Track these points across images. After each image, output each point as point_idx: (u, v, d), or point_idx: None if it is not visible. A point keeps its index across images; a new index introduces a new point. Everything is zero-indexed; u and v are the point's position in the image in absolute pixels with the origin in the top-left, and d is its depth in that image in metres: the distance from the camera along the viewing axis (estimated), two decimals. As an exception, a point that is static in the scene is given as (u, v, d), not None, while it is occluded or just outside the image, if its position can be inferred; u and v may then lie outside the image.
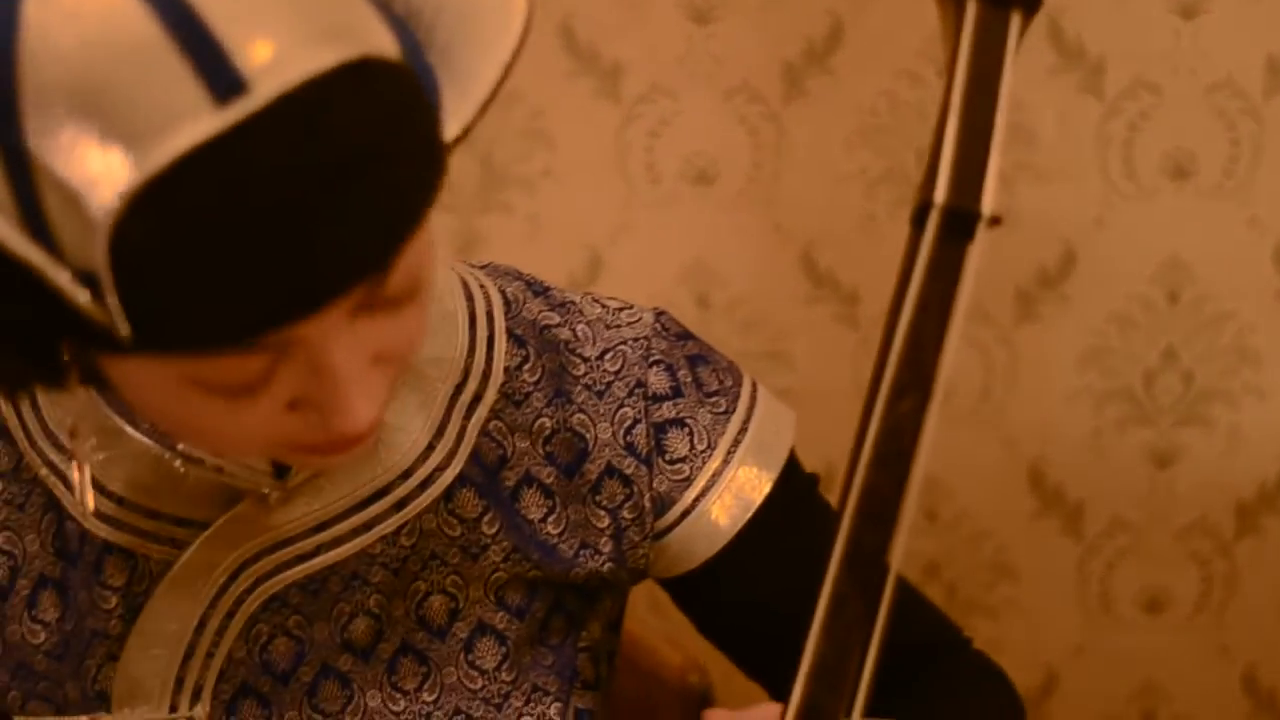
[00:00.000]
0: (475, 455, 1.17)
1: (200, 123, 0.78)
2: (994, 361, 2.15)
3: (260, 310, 0.83)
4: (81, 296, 0.82)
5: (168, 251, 0.80)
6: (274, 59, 0.81)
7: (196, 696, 1.17)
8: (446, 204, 2.05)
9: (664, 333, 1.21)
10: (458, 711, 1.20)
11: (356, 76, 0.82)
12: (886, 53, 2.07)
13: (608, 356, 1.19)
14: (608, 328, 1.20)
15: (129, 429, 1.12)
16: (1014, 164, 2.08)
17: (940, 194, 0.86)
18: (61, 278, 0.82)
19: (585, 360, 1.18)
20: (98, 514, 1.14)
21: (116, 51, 0.80)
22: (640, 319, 1.21)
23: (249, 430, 0.95)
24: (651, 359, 1.19)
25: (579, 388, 1.18)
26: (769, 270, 2.11)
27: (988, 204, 0.87)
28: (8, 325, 0.95)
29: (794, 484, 1.23)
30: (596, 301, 1.22)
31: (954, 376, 2.11)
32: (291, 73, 0.80)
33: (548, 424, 1.18)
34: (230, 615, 1.15)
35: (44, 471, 1.15)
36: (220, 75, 0.80)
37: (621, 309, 1.22)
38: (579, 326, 1.19)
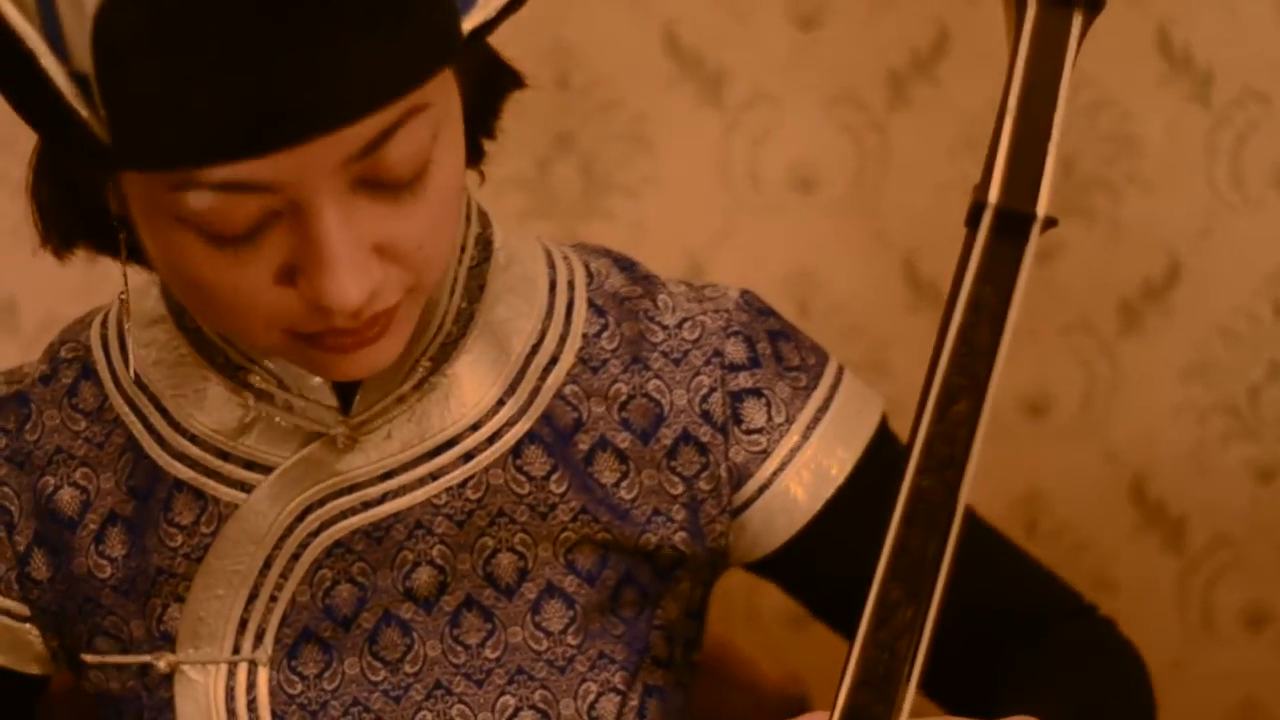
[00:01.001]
0: (548, 417, 1.18)
1: None
2: (1096, 374, 2.14)
3: (233, 128, 0.86)
4: (64, 84, 0.86)
5: (149, 45, 0.82)
6: None
7: (259, 639, 1.19)
8: (547, 210, 2.06)
9: (747, 307, 1.22)
10: (520, 670, 1.20)
11: None
12: (992, 61, 2.04)
13: (686, 325, 1.20)
14: (689, 301, 1.21)
15: (207, 371, 1.16)
16: (1121, 174, 2.07)
17: (994, 194, 0.86)
18: (58, 74, 0.86)
19: (664, 328, 1.20)
20: (173, 452, 1.17)
21: None
22: (725, 294, 1.22)
23: (246, 296, 0.98)
24: (731, 330, 1.20)
25: (656, 354, 1.19)
26: (870, 278, 2.10)
27: (1043, 206, 0.87)
28: (64, 176, 1.03)
29: (882, 461, 1.22)
30: (682, 282, 1.24)
31: (1055, 389, 2.11)
32: None
33: (624, 389, 1.19)
34: (295, 558, 1.17)
35: (125, 411, 1.19)
36: None
37: (705, 287, 1.23)
38: (660, 297, 1.21)
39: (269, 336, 1.05)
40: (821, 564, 1.22)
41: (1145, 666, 1.24)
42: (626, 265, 1.24)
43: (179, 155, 0.87)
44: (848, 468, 1.21)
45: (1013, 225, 0.86)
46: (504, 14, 0.95)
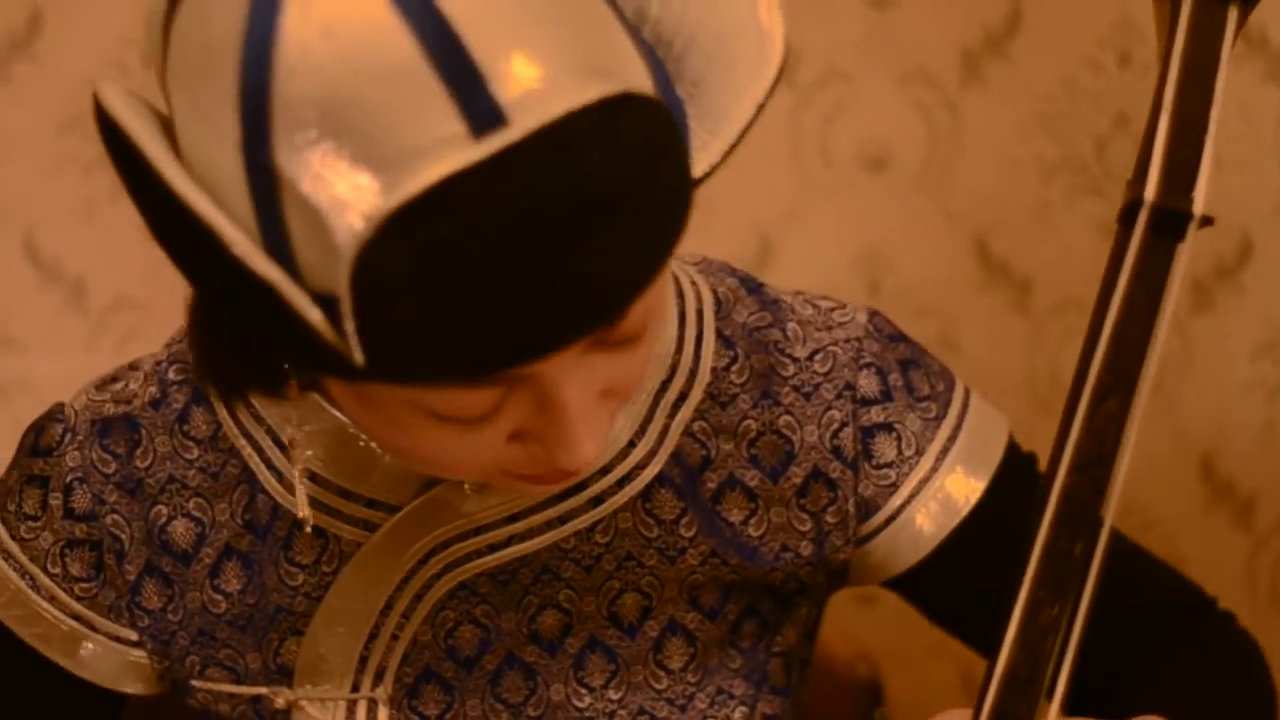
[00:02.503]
0: (677, 455, 1.15)
1: (456, 153, 0.76)
2: (1167, 351, 2.12)
3: (501, 347, 0.82)
4: (316, 317, 0.81)
5: (412, 281, 0.78)
6: (535, 90, 0.80)
7: (379, 677, 1.17)
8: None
9: (876, 334, 1.18)
10: (641, 711, 1.19)
11: (616, 113, 0.79)
12: (1066, 39, 2.05)
13: (818, 358, 1.17)
14: (818, 330, 1.17)
15: (328, 407, 1.12)
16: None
17: (1150, 192, 0.86)
18: (299, 298, 0.80)
19: (794, 361, 1.16)
20: (292, 490, 1.15)
21: (375, 71, 0.79)
22: (853, 319, 1.18)
23: (467, 458, 0.95)
24: (862, 361, 1.17)
25: (786, 389, 1.16)
26: (941, 257, 2.09)
27: (1199, 203, 0.86)
28: (236, 335, 0.96)
29: (1007, 486, 1.20)
30: (809, 302, 1.19)
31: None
32: (552, 107, 0.77)
33: (753, 426, 1.16)
34: (418, 599, 1.15)
35: (241, 442, 1.16)
36: (479, 104, 0.79)
37: (834, 309, 1.19)
38: (790, 326, 1.17)
39: (473, 477, 1.04)
40: (944, 585, 1.21)
41: (1266, 661, 1.23)
42: (753, 287, 1.20)
43: (439, 372, 0.83)
44: (976, 496, 1.19)
45: (1169, 223, 0.85)
46: (727, 156, 0.91)
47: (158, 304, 2.03)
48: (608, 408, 0.95)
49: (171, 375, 1.19)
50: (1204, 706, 1.12)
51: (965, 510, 1.18)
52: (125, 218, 2.05)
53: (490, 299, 0.79)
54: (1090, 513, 0.86)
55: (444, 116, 0.79)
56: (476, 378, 0.85)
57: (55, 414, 1.19)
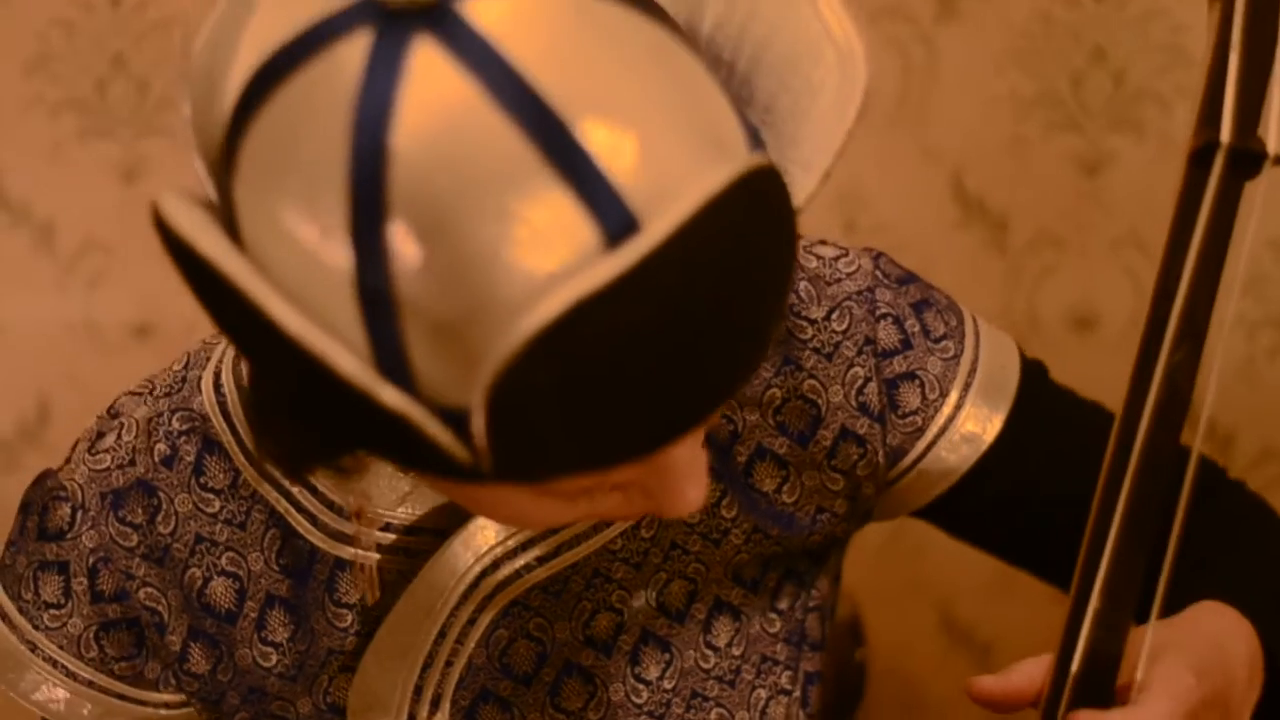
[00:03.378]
0: (708, 436, 1.12)
1: (593, 267, 0.72)
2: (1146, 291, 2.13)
3: (636, 441, 0.79)
4: (446, 438, 0.76)
5: (551, 396, 0.74)
6: (660, 188, 0.75)
7: (435, 705, 1.14)
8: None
9: (886, 280, 1.15)
10: (694, 694, 1.17)
11: (743, 194, 0.75)
12: (1041, -27, 2.04)
13: (834, 316, 1.13)
14: (828, 283, 1.14)
15: None
16: (1170, 86, 2.05)
17: (1226, 133, 0.85)
18: (429, 423, 0.76)
19: (812, 323, 1.13)
20: (328, 530, 1.11)
21: (497, 184, 0.74)
22: (859, 267, 1.15)
23: (567, 518, 0.92)
24: (878, 313, 1.14)
25: (807, 352, 1.13)
26: (916, 195, 2.09)
27: (1273, 142, 0.85)
28: (322, 434, 0.89)
29: (1026, 408, 1.19)
30: (810, 252, 1.16)
31: (1104, 306, 2.10)
32: (681, 203, 0.73)
33: (778, 394, 1.13)
34: (471, 623, 1.12)
35: (265, 488, 1.11)
36: (610, 212, 0.74)
37: (838, 258, 1.15)
38: (801, 285, 1.14)
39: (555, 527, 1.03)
40: (970, 508, 1.19)
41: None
42: None
43: (569, 470, 0.79)
44: (999, 425, 1.17)
45: (1244, 164, 0.84)
46: (822, 185, 0.86)
47: (127, 246, 2.02)
48: (706, 448, 0.92)
49: (176, 425, 1.13)
50: (1248, 588, 1.11)
51: (990, 439, 1.17)
52: (93, 159, 2.03)
53: (630, 402, 0.76)
54: (1165, 457, 0.85)
55: (574, 225, 0.74)
56: (605, 468, 0.80)
57: (56, 492, 1.13)
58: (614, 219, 0.74)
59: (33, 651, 1.13)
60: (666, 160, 0.75)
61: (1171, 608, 1.00)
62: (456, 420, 0.76)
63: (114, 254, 2.02)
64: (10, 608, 1.13)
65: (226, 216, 0.80)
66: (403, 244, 0.74)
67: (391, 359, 0.76)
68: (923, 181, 2.08)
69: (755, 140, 0.83)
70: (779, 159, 0.84)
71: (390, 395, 0.75)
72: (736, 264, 0.75)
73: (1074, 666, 0.89)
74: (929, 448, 1.16)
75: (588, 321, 0.72)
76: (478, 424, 0.74)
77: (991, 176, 2.09)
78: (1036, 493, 1.16)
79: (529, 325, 0.71)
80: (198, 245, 0.77)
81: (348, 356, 0.75)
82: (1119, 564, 0.86)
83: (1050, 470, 1.17)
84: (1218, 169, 0.84)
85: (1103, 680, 0.89)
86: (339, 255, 0.75)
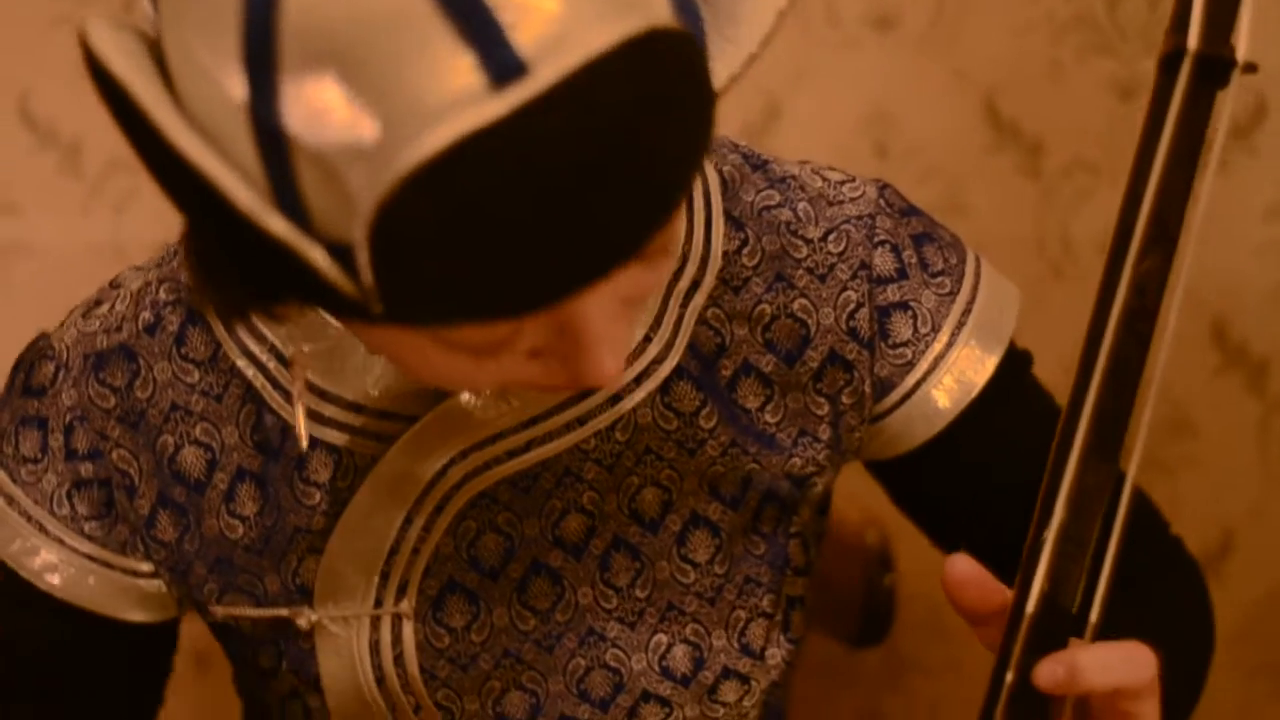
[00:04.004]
0: (692, 345, 1.13)
1: (476, 107, 0.72)
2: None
3: (525, 292, 0.79)
4: (333, 273, 0.77)
5: (433, 236, 0.74)
6: (553, 36, 0.75)
7: (402, 592, 1.15)
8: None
9: (889, 209, 1.16)
10: (670, 607, 1.18)
11: (641, 53, 0.75)
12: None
13: (831, 237, 1.14)
14: (830, 204, 1.15)
15: (334, 322, 1.10)
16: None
17: (1193, 40, 0.83)
18: (314, 254, 0.77)
19: (808, 242, 1.14)
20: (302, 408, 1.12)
21: (387, 22, 0.74)
22: (864, 194, 1.16)
23: (485, 379, 0.91)
24: (876, 239, 1.14)
25: (800, 271, 1.13)
26: (949, 119, 2.06)
27: (1242, 49, 0.84)
28: (238, 271, 0.90)
29: (1014, 363, 1.19)
30: (817, 173, 1.16)
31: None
32: (573, 53, 0.73)
33: (768, 310, 1.14)
34: (438, 510, 1.13)
35: (242, 362, 1.13)
36: (497, 55, 0.74)
37: (844, 182, 1.16)
38: (800, 205, 1.14)
39: (491, 390, 1.02)
40: (941, 469, 1.20)
41: (1213, 633, 1.25)
42: (758, 164, 1.17)
43: (460, 316, 0.80)
44: (990, 370, 1.17)
45: (1212, 71, 0.83)
46: (747, 66, 0.87)
47: (155, 167, 2.01)
48: (627, 318, 0.91)
49: (163, 296, 1.15)
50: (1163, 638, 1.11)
51: (980, 384, 1.17)
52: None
53: (513, 248, 0.76)
54: (1134, 370, 0.84)
55: (462, 69, 0.74)
56: (499, 320, 0.81)
57: (45, 351, 1.15)
58: (502, 63, 0.74)
59: (9, 505, 1.14)
60: (567, 12, 0.75)
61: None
62: (345, 256, 0.77)
63: (141, 175, 2.01)
64: None
65: (158, 51, 0.82)
66: (292, 78, 0.75)
67: (286, 193, 0.78)
68: (955, 105, 2.06)
69: (687, 10, 0.83)
70: (715, 35, 0.85)
71: (278, 225, 0.76)
72: (629, 123, 0.75)
73: (1029, 608, 0.87)
74: (918, 384, 1.15)
75: (466, 162, 0.72)
76: (362, 259, 0.75)
77: (1025, 100, 2.06)
78: (1006, 462, 1.17)
79: (407, 161, 0.72)
80: (112, 66, 0.78)
81: (241, 186, 0.76)
82: (1080, 490, 0.85)
83: (1020, 444, 1.17)
84: (1184, 76, 0.82)
85: (1057, 625, 0.87)
86: (235, 87, 0.77)
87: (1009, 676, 0.87)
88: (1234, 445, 2.18)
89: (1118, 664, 0.88)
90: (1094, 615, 0.88)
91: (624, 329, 0.90)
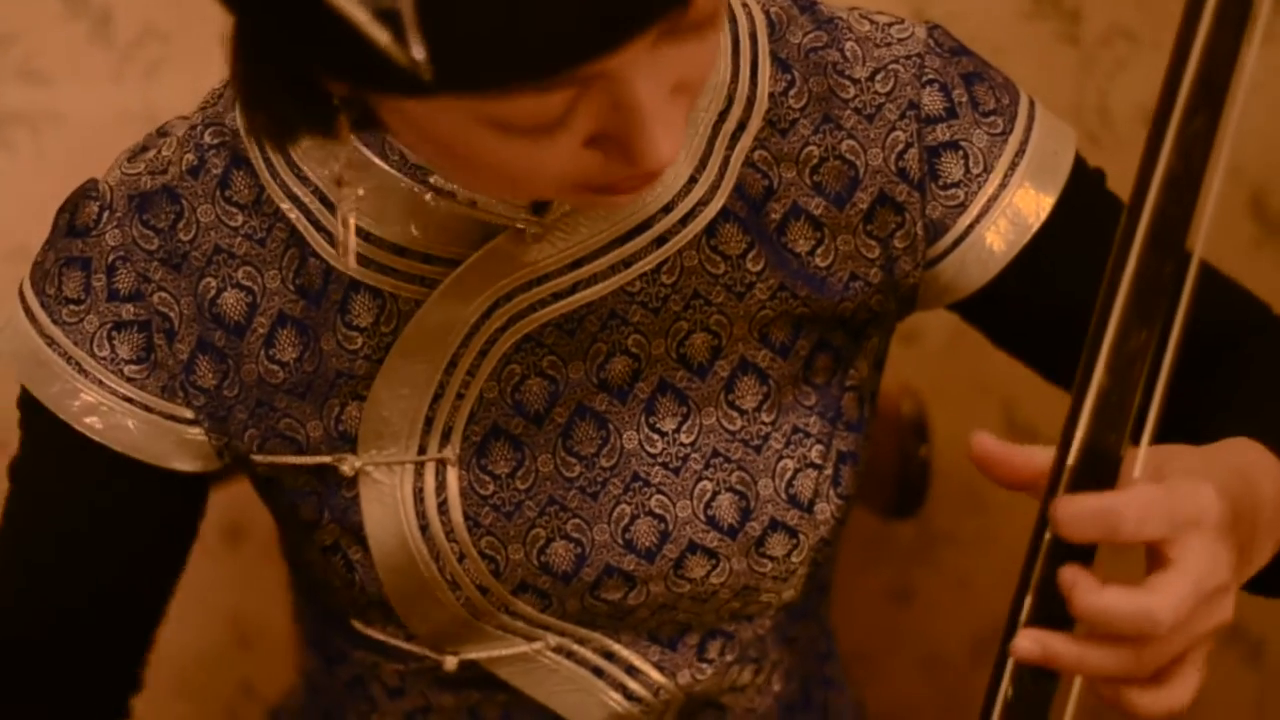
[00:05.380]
0: (739, 188, 1.13)
1: None
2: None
3: (572, 42, 0.78)
4: (382, 37, 0.77)
5: None
6: None
7: (446, 438, 1.15)
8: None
9: (938, 48, 1.15)
10: (715, 454, 1.17)
11: None
12: None
13: (879, 77, 1.13)
14: (877, 45, 1.14)
15: (378, 160, 1.08)
16: None
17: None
18: (361, 17, 0.76)
19: (855, 82, 1.13)
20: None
21: None
22: (912, 34, 1.15)
23: (543, 170, 0.91)
24: (925, 78, 1.13)
25: (848, 112, 1.12)
26: (988, -16, 2.04)
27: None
28: (286, 67, 0.91)
29: (1077, 200, 1.17)
30: (865, 17, 1.15)
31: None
32: None
33: (815, 152, 1.13)
34: (482, 355, 1.13)
35: (286, 205, 1.12)
36: None
37: (892, 24, 1.15)
38: (848, 45, 1.13)
39: (545, 193, 1.01)
40: (1012, 305, 1.19)
41: None
42: (806, 5, 1.16)
43: (510, 75, 0.80)
44: (1045, 211, 1.16)
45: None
46: None
47: (185, 34, 2.00)
48: (681, 104, 0.91)
49: (208, 139, 1.15)
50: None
51: (1035, 226, 1.15)
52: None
53: None
54: (1179, 234, 0.82)
55: None
56: (548, 78, 0.81)
57: (89, 191, 1.15)
58: None
59: (49, 346, 1.14)
60: None
61: (1196, 436, 0.97)
62: (394, 20, 0.76)
63: (171, 43, 2.01)
64: (34, 302, 1.14)
65: None
66: None
67: None
68: (993, -30, 2.03)
69: None
70: None
71: None
72: None
73: (1070, 459, 0.86)
74: (972, 226, 1.14)
75: None
76: (408, 19, 0.75)
77: (1064, -34, 2.04)
78: (1076, 293, 1.12)
79: None
80: None
81: None
82: (1121, 346, 0.84)
83: (1092, 271, 1.15)
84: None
85: (1101, 476, 0.85)
86: None
87: (1046, 535, 0.86)
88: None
89: (1160, 513, 0.84)
90: (1143, 445, 0.86)
91: (678, 114, 0.91)
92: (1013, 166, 1.15)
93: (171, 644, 2.27)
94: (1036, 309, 1.17)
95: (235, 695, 2.23)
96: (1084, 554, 0.86)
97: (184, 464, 1.19)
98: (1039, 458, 0.89)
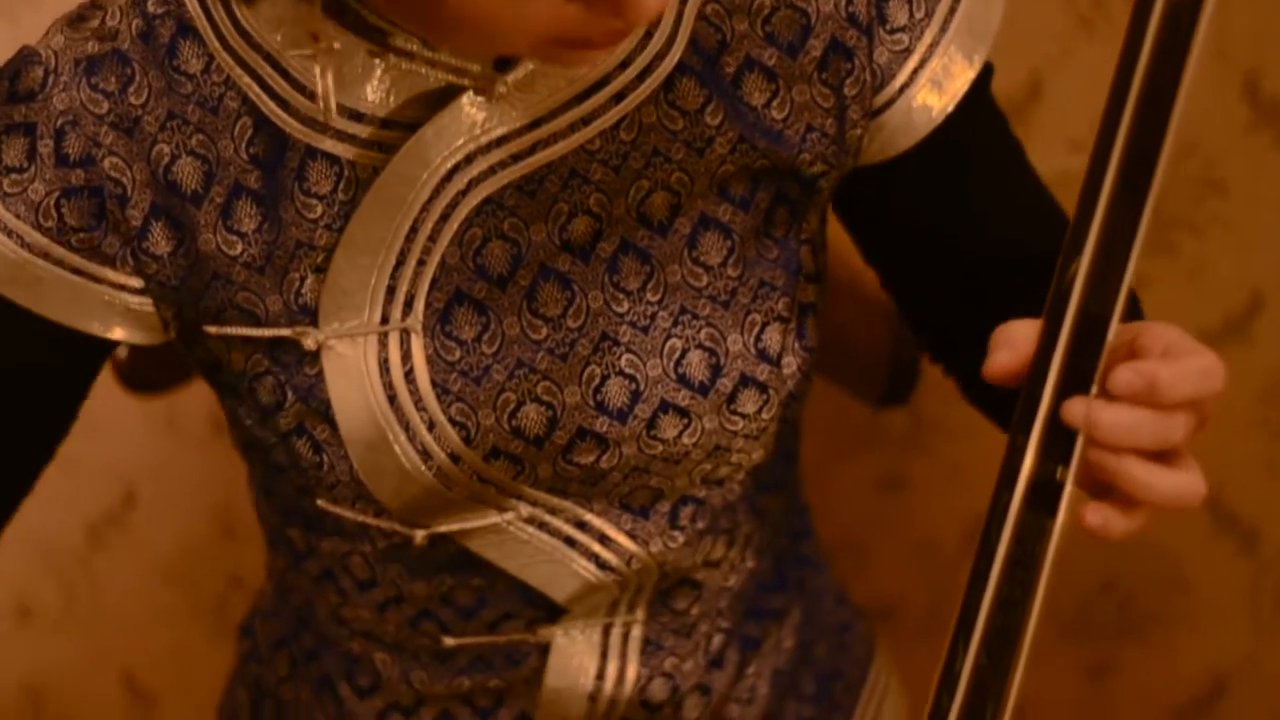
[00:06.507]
0: (694, 42, 1.13)
1: None
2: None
3: None
4: None
5: None
6: None
7: (408, 306, 1.14)
8: None
9: None
10: (684, 311, 1.17)
11: None
12: None
13: None
14: None
15: (332, 21, 1.07)
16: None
17: None
18: None
19: None
20: (300, 116, 1.11)
21: None
22: None
23: (525, 19, 0.91)
24: None
25: None
26: None
27: None
28: None
29: (987, 72, 1.20)
30: None
31: None
32: None
33: (767, 2, 1.13)
34: (443, 219, 1.12)
35: (237, 72, 1.10)
36: None
37: None
38: None
39: (520, 47, 1.00)
40: (922, 180, 1.20)
41: None
42: None
43: None
44: (978, 69, 1.18)
45: None
46: None
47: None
48: None
49: (152, 8, 1.12)
50: None
51: (971, 75, 1.18)
52: None
53: None
54: (1166, 107, 0.83)
55: None
56: None
57: (30, 56, 1.12)
58: None
59: None
60: None
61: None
62: None
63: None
64: None
65: None
66: None
67: None
68: None
69: None
70: None
71: None
72: None
73: (1064, 331, 0.88)
74: (915, 73, 1.15)
75: None
76: None
77: None
78: (984, 176, 1.20)
79: None
80: None
81: None
82: (1114, 211, 0.84)
83: (995, 160, 1.21)
84: None
85: (1093, 341, 0.89)
86: None
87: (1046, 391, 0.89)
88: (1267, 202, 2.16)
89: (1194, 378, 0.91)
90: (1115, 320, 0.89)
91: None
92: (951, 13, 1.16)
93: (160, 535, 2.28)
94: (941, 191, 1.20)
95: (224, 586, 2.23)
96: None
97: (125, 334, 1.17)
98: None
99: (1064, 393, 0.90)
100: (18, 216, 1.11)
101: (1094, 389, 0.89)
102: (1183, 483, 0.93)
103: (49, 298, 1.13)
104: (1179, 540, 2.28)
